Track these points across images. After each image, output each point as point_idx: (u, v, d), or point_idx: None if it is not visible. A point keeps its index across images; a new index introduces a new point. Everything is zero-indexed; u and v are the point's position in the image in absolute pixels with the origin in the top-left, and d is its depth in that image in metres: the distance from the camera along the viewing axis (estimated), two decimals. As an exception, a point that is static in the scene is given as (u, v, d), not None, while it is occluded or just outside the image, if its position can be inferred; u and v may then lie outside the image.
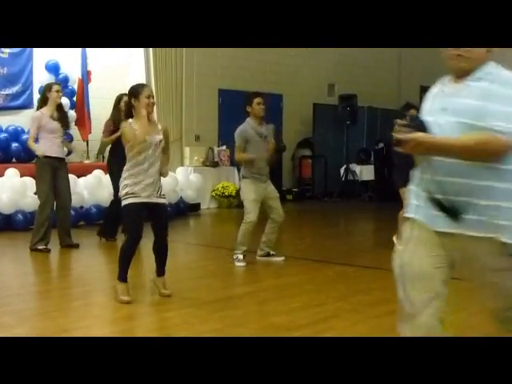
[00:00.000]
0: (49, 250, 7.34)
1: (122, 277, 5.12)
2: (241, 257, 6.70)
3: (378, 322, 4.59)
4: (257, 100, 6.74)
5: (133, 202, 5.00)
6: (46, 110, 7.35)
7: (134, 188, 5.01)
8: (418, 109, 7.89)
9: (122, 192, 5.07)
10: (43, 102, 7.43)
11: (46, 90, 7.45)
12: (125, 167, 5.13)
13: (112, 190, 8.03)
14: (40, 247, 7.32)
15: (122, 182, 5.08)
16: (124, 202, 5.05)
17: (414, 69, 17.28)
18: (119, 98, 7.97)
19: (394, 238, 7.66)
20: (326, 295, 5.41)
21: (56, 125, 7.34)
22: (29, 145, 7.52)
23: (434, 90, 3.00)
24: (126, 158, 5.20)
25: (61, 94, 7.52)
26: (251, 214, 6.68)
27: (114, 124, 7.86)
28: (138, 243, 5.12)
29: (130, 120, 5.11)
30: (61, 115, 7.42)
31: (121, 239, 8.17)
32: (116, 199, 7.77)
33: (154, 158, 5.11)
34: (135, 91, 5.13)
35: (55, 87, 7.45)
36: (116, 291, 5.14)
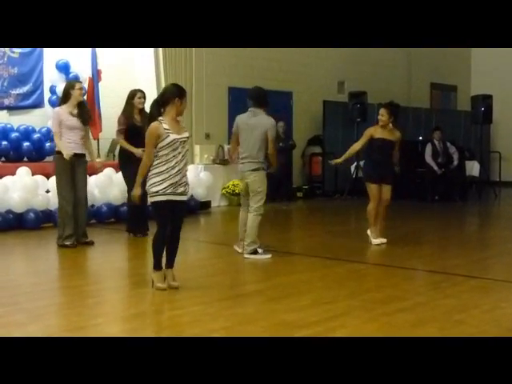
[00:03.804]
0: (75, 246, 7.43)
1: (156, 265, 5.42)
2: (261, 250, 6.93)
3: (389, 319, 4.58)
4: None
5: (161, 199, 5.28)
6: (66, 107, 7.44)
7: (162, 186, 5.24)
8: (397, 106, 8.16)
9: (151, 189, 5.28)
10: (65, 99, 7.51)
11: (69, 88, 7.52)
12: (154, 163, 5.29)
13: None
14: (67, 243, 7.42)
15: (152, 179, 5.28)
16: (153, 199, 5.32)
17: (424, 66, 17.23)
18: (133, 94, 8.13)
19: (368, 232, 7.78)
20: (337, 293, 5.41)
21: (75, 121, 7.41)
22: (55, 142, 7.58)
23: None
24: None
25: (83, 91, 7.58)
26: (263, 205, 7.02)
27: (127, 119, 7.99)
28: (166, 234, 5.39)
29: (161, 118, 5.29)
30: (81, 112, 7.48)
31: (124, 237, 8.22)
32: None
33: (182, 156, 5.31)
34: (183, 92, 5.37)
35: (78, 85, 7.56)
36: (152, 281, 5.38)
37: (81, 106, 7.53)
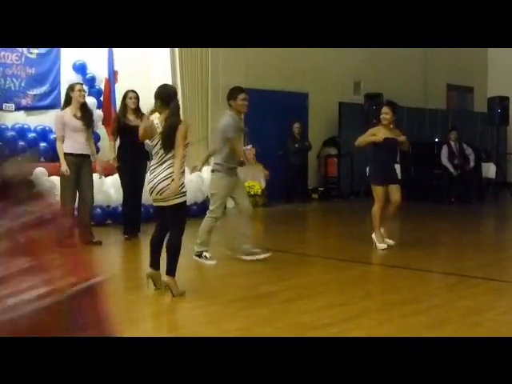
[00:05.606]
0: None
1: (174, 271, 5.25)
2: (208, 255, 6.74)
3: (404, 321, 4.57)
4: (241, 96, 7.02)
5: (186, 199, 5.31)
6: (69, 110, 7.57)
7: (186, 186, 5.29)
8: (394, 105, 8.07)
9: (182, 189, 5.22)
10: (67, 101, 7.67)
11: (69, 90, 7.69)
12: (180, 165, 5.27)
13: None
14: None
15: (180, 179, 5.21)
16: (181, 200, 5.23)
17: (441, 67, 17.14)
18: (125, 95, 8.38)
19: (373, 236, 7.63)
20: (352, 294, 5.40)
21: (78, 123, 7.52)
22: (57, 147, 7.71)
23: None
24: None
25: (83, 93, 7.68)
26: (219, 209, 6.89)
27: (117, 118, 8.20)
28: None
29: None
30: (84, 114, 7.57)
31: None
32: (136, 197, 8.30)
33: None
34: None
35: (77, 87, 7.66)
36: (171, 287, 5.19)
37: (83, 108, 7.63)
